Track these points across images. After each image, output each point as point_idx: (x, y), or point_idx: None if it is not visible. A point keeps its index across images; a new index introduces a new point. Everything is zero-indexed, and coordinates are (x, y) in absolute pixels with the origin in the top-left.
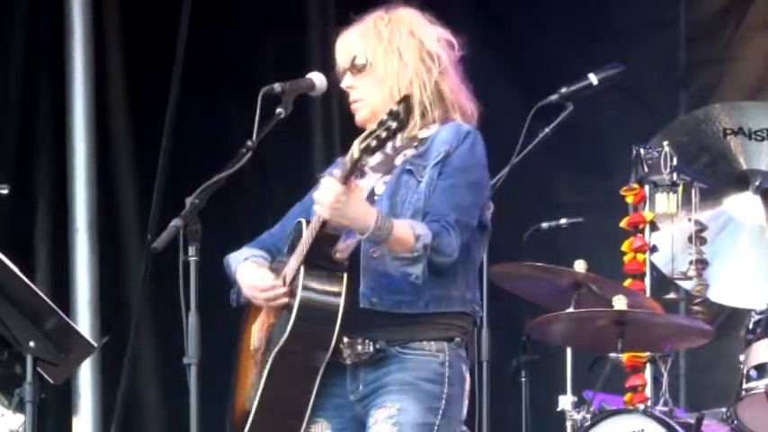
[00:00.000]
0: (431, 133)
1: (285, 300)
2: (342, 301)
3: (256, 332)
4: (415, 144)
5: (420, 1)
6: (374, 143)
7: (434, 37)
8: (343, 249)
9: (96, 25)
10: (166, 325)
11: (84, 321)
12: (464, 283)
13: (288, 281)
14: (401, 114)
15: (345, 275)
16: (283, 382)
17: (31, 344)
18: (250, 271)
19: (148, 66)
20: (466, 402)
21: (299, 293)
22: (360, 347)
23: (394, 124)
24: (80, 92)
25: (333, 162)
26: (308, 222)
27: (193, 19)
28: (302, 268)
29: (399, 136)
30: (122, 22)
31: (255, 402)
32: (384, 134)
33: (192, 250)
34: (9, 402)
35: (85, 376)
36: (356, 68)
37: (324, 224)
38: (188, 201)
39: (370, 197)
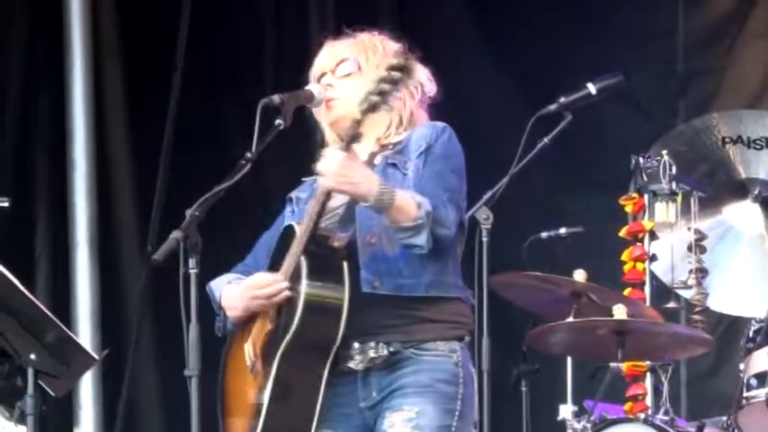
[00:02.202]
0: (403, 137)
1: (288, 293)
2: (346, 288)
3: (249, 350)
4: (390, 147)
5: (416, 15)
6: (376, 98)
7: (420, 71)
8: (341, 238)
9: (95, 38)
10: (167, 337)
11: (84, 333)
12: (455, 271)
13: (287, 276)
14: (404, 63)
15: (345, 263)
16: (292, 377)
17: (32, 356)
18: (234, 284)
19: (148, 78)
20: (476, 402)
21: (304, 284)
22: (372, 352)
23: (398, 75)
24: (79, 105)
25: (300, 183)
26: (298, 224)
27: (192, 28)
28: (303, 259)
29: (371, 141)
30: (121, 33)
31: (266, 399)
32: (387, 86)
33: (192, 262)
34: (11, 415)
35: (86, 388)
36: (343, 72)
37: (328, 197)
38: (188, 213)
39: None
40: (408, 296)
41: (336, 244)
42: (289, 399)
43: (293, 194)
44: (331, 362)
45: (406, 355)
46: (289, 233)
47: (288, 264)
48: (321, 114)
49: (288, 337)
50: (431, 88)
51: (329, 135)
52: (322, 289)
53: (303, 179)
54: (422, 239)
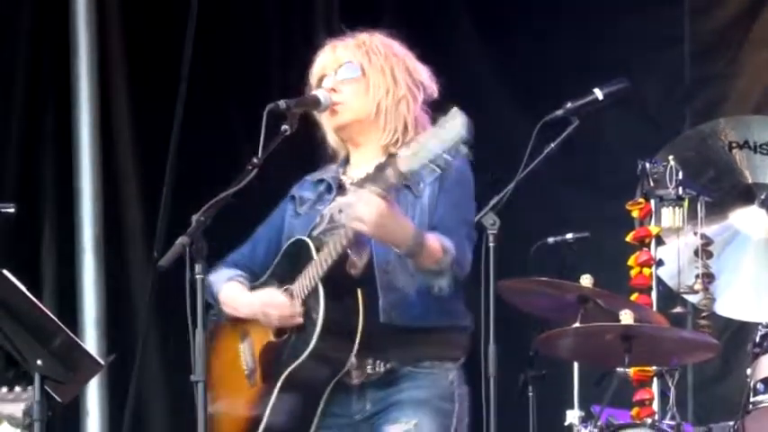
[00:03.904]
0: None
1: (300, 320)
2: (361, 318)
3: (245, 353)
4: None
5: (421, 23)
6: (433, 166)
7: (421, 70)
8: (355, 264)
9: (101, 44)
10: (173, 343)
11: (90, 339)
12: (462, 297)
13: (301, 299)
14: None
15: (360, 291)
16: (292, 400)
17: (39, 362)
18: (245, 291)
19: (153, 83)
20: (467, 420)
21: (321, 313)
22: (369, 368)
23: (464, 150)
24: (85, 110)
25: (302, 180)
26: (312, 239)
27: (198, 33)
28: (320, 286)
29: (376, 147)
30: (127, 39)
31: (265, 420)
32: (441, 163)
33: (198, 268)
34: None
35: (93, 394)
36: (345, 76)
37: (356, 236)
38: (194, 218)
39: None
40: (417, 327)
41: (353, 271)
42: (287, 414)
43: (296, 193)
44: (328, 392)
45: (403, 372)
46: (299, 248)
47: (301, 285)
48: (325, 119)
49: (297, 362)
50: (432, 88)
51: (332, 139)
52: (337, 319)
53: (306, 177)
54: (443, 282)
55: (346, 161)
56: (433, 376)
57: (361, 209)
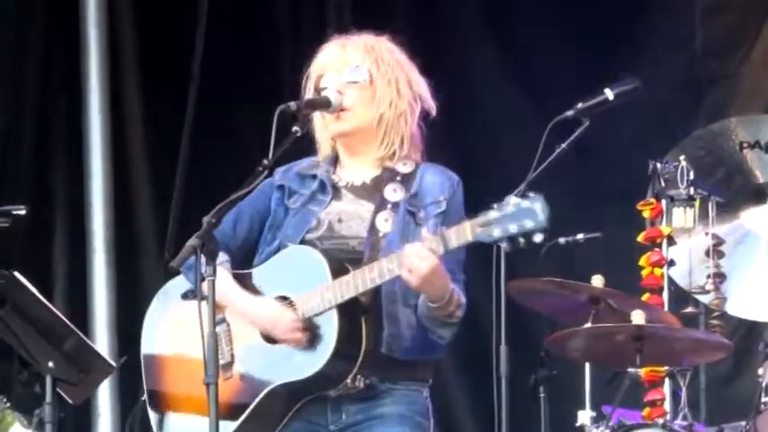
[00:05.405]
0: (411, 170)
1: (301, 336)
2: (363, 346)
3: (222, 339)
4: (398, 178)
5: (433, 21)
6: (506, 246)
7: (421, 83)
8: (365, 294)
9: (112, 47)
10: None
11: (102, 341)
12: None
13: (305, 316)
14: (543, 234)
15: (365, 319)
16: (267, 407)
17: (51, 364)
18: (256, 300)
19: (165, 85)
20: None
21: (335, 340)
22: (349, 383)
23: (540, 237)
24: (96, 113)
25: (286, 168)
26: (307, 243)
27: (209, 34)
28: (336, 312)
29: (371, 158)
30: (138, 41)
31: (241, 419)
32: (523, 241)
33: (209, 269)
34: (29, 422)
35: (104, 396)
36: (351, 78)
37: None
38: (204, 220)
39: (372, 230)
40: (403, 360)
41: (363, 299)
42: (258, 419)
43: (284, 182)
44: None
45: (382, 389)
46: (308, 260)
47: (312, 305)
48: (326, 121)
49: (295, 378)
50: (429, 103)
51: (322, 136)
52: (344, 345)
53: (291, 167)
54: (448, 334)
55: (335, 160)
56: (411, 393)
57: (415, 262)
